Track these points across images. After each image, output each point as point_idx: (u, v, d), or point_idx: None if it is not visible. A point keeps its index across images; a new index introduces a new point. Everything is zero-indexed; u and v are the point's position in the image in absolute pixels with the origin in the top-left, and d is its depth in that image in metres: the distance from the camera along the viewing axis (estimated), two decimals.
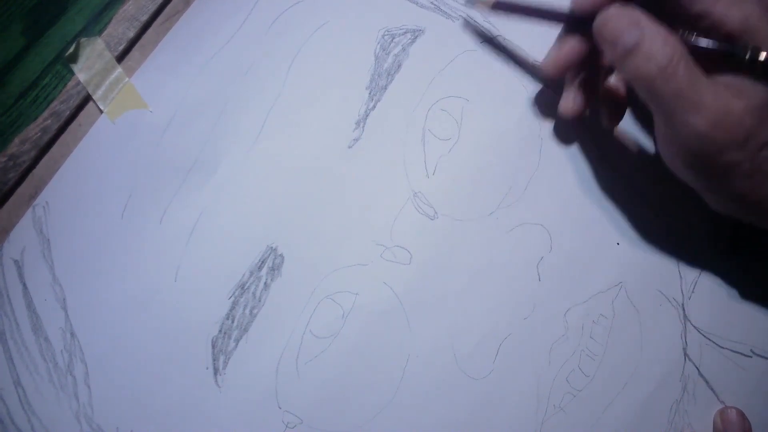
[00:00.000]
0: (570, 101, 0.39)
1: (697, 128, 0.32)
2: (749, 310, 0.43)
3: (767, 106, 0.33)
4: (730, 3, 0.33)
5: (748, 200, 0.35)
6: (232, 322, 0.37)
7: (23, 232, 0.35)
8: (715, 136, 0.32)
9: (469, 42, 0.41)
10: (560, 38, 0.38)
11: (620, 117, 0.40)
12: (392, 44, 0.39)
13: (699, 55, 0.33)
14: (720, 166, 0.33)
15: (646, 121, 0.42)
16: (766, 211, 0.35)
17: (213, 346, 0.37)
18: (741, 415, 0.41)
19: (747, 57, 0.33)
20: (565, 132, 0.39)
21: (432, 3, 0.40)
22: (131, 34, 0.37)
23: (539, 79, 0.41)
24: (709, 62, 0.33)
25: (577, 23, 0.37)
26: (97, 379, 0.35)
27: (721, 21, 0.33)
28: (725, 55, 0.33)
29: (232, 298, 0.37)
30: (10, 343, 0.35)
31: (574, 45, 0.37)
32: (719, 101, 0.32)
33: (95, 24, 0.37)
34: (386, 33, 0.39)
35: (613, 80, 0.39)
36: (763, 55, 0.32)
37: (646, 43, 0.33)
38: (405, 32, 0.40)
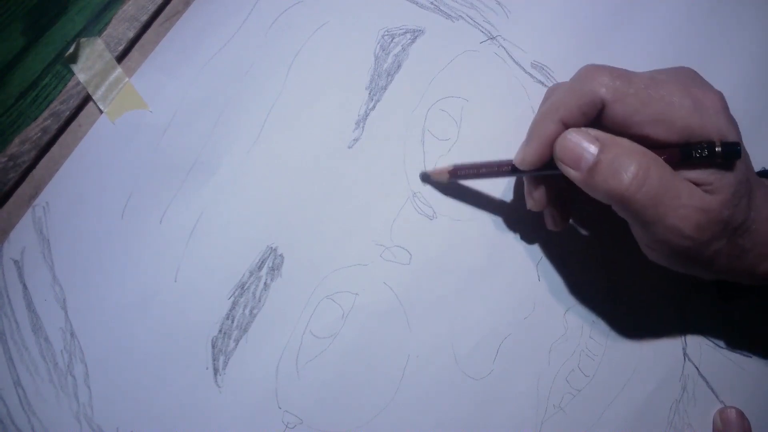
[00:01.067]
0: (550, 221, 0.39)
1: (682, 231, 0.32)
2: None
3: (736, 192, 0.33)
4: (659, 120, 0.33)
5: (728, 272, 0.35)
6: (232, 322, 0.37)
7: (23, 232, 0.35)
8: (698, 236, 0.32)
9: (469, 42, 0.41)
10: (529, 187, 0.37)
11: (567, 221, 0.39)
12: (392, 44, 0.39)
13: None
14: (704, 256, 0.34)
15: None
16: (750, 276, 0.36)
17: (213, 347, 0.37)
18: (740, 414, 0.42)
19: (705, 154, 0.32)
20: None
21: (432, 3, 0.40)
22: (131, 34, 0.37)
23: (537, 80, 0.41)
24: (671, 163, 0.33)
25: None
26: (97, 379, 0.35)
27: (659, 137, 0.33)
28: (684, 156, 0.33)
29: (232, 299, 0.37)
30: (10, 344, 0.35)
31: (543, 190, 0.37)
32: (695, 200, 0.32)
33: (95, 24, 0.37)
34: (386, 33, 0.39)
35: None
36: (718, 148, 0.32)
37: (609, 155, 0.32)
38: (405, 32, 0.40)
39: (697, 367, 0.42)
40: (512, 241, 0.40)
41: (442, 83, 0.40)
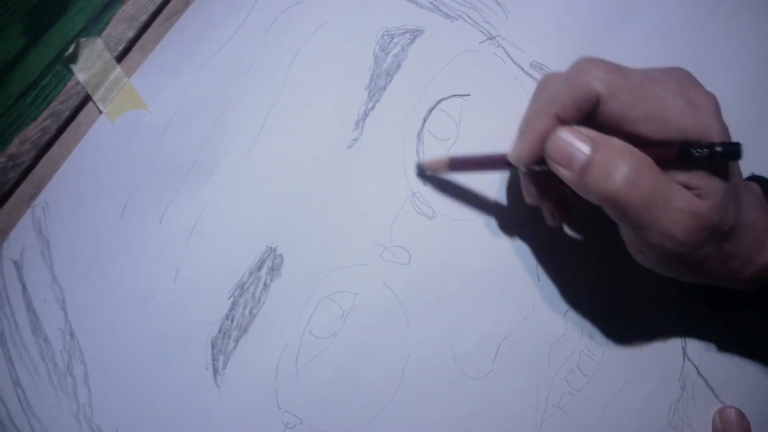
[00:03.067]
0: (548, 215, 0.39)
1: (674, 236, 0.32)
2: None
3: (725, 198, 0.32)
4: (653, 117, 0.32)
5: (715, 277, 0.35)
6: (232, 322, 0.37)
7: (23, 232, 0.35)
8: (690, 240, 0.32)
9: (469, 42, 0.41)
10: (526, 181, 0.37)
11: (564, 216, 0.39)
12: (391, 44, 0.39)
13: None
14: (693, 261, 0.34)
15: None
16: (736, 281, 0.36)
17: (212, 347, 0.37)
18: (740, 414, 0.42)
19: (705, 153, 0.31)
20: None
21: (431, 3, 0.40)
22: (131, 34, 0.37)
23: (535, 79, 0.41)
24: (664, 163, 0.32)
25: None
26: (97, 379, 0.35)
27: (652, 135, 0.32)
28: (681, 155, 0.32)
29: (232, 299, 0.37)
30: (10, 344, 0.35)
31: (539, 185, 0.37)
32: (687, 204, 0.32)
33: (95, 24, 0.37)
34: (385, 33, 0.39)
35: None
36: (719, 148, 0.31)
37: (601, 156, 0.32)
38: (404, 32, 0.40)
39: (696, 367, 0.42)
40: (512, 241, 0.40)
41: (441, 83, 0.40)
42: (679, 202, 0.32)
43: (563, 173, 0.33)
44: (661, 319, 0.42)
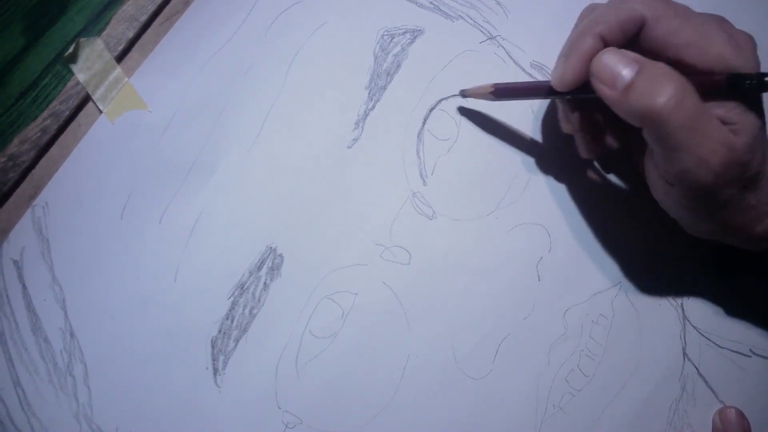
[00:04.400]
0: (585, 146, 0.39)
1: (709, 164, 0.32)
2: (747, 312, 0.43)
3: (756, 138, 0.33)
4: (696, 44, 0.33)
5: (728, 228, 0.35)
6: (232, 322, 0.37)
7: (23, 232, 0.35)
8: (722, 173, 0.32)
9: (469, 42, 0.41)
10: (565, 109, 0.38)
11: (599, 149, 0.39)
12: (391, 44, 0.39)
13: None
14: (717, 201, 0.33)
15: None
16: (747, 236, 0.35)
17: (212, 347, 0.37)
18: (740, 414, 0.41)
19: (755, 83, 0.32)
20: (564, 133, 0.39)
21: (431, 3, 0.40)
22: (131, 34, 0.37)
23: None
24: (701, 93, 0.33)
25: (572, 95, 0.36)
26: (97, 379, 0.35)
27: (695, 62, 0.33)
28: (731, 84, 0.32)
29: (232, 299, 0.37)
30: (10, 344, 0.35)
31: (578, 114, 0.37)
32: (723, 136, 0.32)
33: (95, 24, 0.37)
34: (386, 33, 0.39)
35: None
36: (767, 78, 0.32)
37: (646, 76, 0.32)
38: (404, 32, 0.40)
39: (696, 367, 0.42)
40: (512, 241, 0.40)
41: (441, 83, 0.40)
42: (717, 132, 0.32)
43: (607, 93, 0.33)
44: (662, 319, 0.42)
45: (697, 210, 0.35)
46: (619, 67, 0.32)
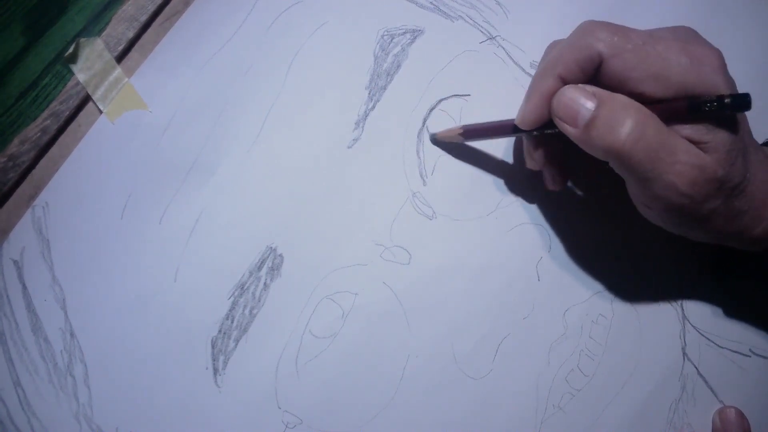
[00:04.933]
0: (550, 179, 0.39)
1: (678, 188, 0.32)
2: (747, 312, 0.43)
3: (731, 151, 0.33)
4: (656, 76, 0.33)
5: (725, 234, 0.35)
6: (232, 322, 0.37)
7: (23, 232, 0.35)
8: (694, 193, 0.32)
9: (469, 42, 0.41)
10: (528, 145, 0.38)
11: (565, 181, 0.39)
12: (391, 44, 0.39)
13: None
14: (699, 215, 0.34)
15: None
16: (746, 239, 0.36)
17: (212, 347, 0.37)
18: (740, 414, 0.42)
19: (715, 106, 0.32)
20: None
21: (431, 3, 0.40)
22: (131, 34, 0.37)
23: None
24: (666, 119, 0.33)
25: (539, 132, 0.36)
26: (97, 379, 0.35)
27: (656, 93, 0.33)
28: (691, 109, 0.32)
29: (232, 299, 0.37)
30: (10, 344, 0.35)
31: (542, 150, 0.37)
32: (691, 157, 0.32)
33: (95, 24, 0.37)
34: (386, 33, 0.39)
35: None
36: (727, 100, 0.31)
37: (606, 110, 0.32)
38: (404, 32, 0.40)
39: (696, 367, 0.42)
40: (512, 241, 0.40)
41: (441, 83, 0.40)
42: (684, 155, 0.32)
43: (569, 130, 0.33)
44: (661, 319, 0.42)
45: (683, 225, 0.35)
46: (578, 104, 0.33)
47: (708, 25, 0.43)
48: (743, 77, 0.44)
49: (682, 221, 0.35)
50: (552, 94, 0.34)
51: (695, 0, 0.44)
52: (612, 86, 0.34)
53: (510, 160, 0.41)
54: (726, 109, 0.32)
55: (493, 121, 0.38)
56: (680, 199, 0.33)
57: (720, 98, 0.32)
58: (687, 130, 0.33)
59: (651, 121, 0.32)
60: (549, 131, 0.35)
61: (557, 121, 0.34)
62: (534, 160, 0.38)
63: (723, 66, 0.33)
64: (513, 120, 0.37)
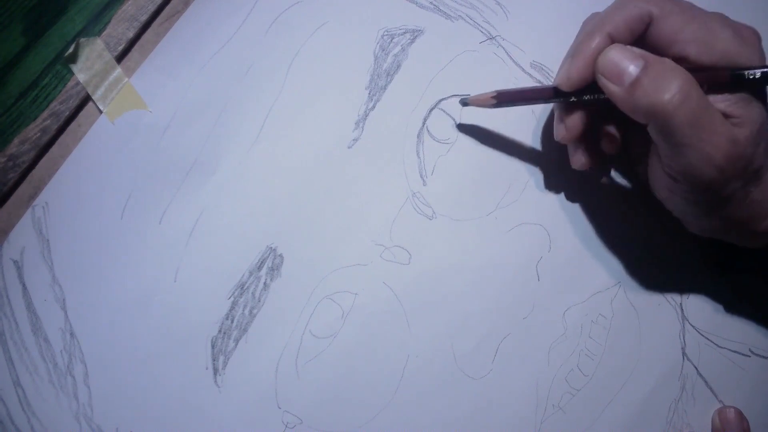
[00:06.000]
0: (579, 156, 0.38)
1: (713, 159, 0.32)
2: (747, 312, 0.43)
3: (760, 131, 0.33)
4: (702, 40, 0.33)
5: (733, 222, 0.35)
6: (232, 322, 0.37)
7: (23, 232, 0.35)
8: (727, 167, 0.32)
9: (469, 42, 0.41)
10: (562, 113, 0.37)
11: (593, 161, 0.38)
12: (392, 44, 0.39)
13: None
14: (721, 196, 0.34)
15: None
16: (751, 232, 0.36)
17: (212, 347, 0.37)
18: (739, 414, 0.42)
19: (758, 76, 0.32)
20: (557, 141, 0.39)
21: (431, 3, 0.40)
22: (131, 34, 0.37)
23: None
24: (706, 88, 0.33)
25: (574, 97, 0.36)
26: (97, 379, 0.35)
27: (700, 59, 0.33)
28: (734, 78, 0.33)
29: (232, 299, 0.37)
30: (10, 344, 0.35)
31: (577, 117, 0.36)
32: (727, 130, 0.32)
33: (95, 24, 0.37)
34: (386, 33, 0.39)
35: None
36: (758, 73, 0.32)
37: (653, 72, 0.32)
38: (404, 32, 0.40)
39: (696, 367, 0.42)
40: (512, 241, 0.40)
41: (441, 83, 0.40)
42: (721, 127, 0.32)
43: (613, 89, 0.33)
44: (661, 319, 0.42)
45: (701, 205, 0.35)
46: (625, 63, 0.33)
47: None
48: None
49: (701, 200, 0.35)
50: (599, 53, 0.34)
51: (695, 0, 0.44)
52: (658, 48, 0.34)
53: (510, 160, 0.41)
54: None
55: (530, 86, 0.38)
56: (712, 172, 0.32)
57: (764, 69, 0.32)
58: (723, 103, 0.33)
59: (695, 87, 0.32)
60: (589, 96, 0.35)
61: (601, 80, 0.34)
62: (565, 130, 0.37)
63: (760, 43, 0.34)
64: (551, 85, 0.36)
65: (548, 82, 0.41)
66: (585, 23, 0.37)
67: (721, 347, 0.42)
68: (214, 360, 0.37)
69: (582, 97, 0.35)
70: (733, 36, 0.33)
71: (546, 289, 0.41)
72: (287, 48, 0.38)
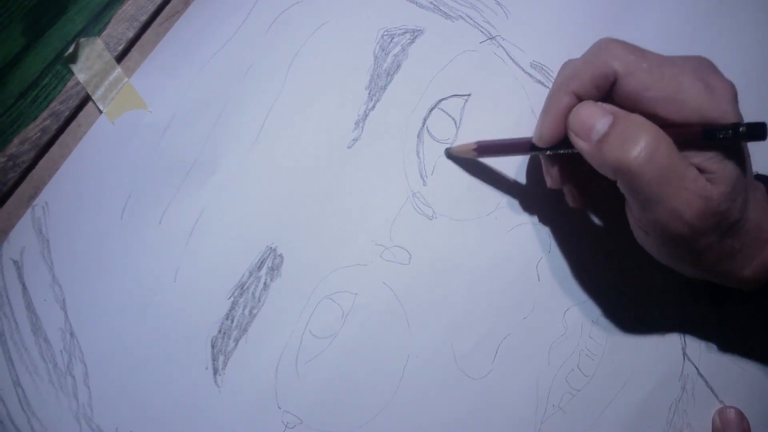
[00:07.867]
0: (573, 197, 0.39)
1: (682, 216, 0.32)
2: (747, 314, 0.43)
3: (736, 186, 0.33)
4: (670, 98, 0.32)
5: (713, 272, 0.35)
6: (232, 322, 0.37)
7: (23, 232, 0.35)
8: (697, 224, 0.32)
9: (469, 42, 0.41)
10: (547, 164, 0.38)
11: (585, 198, 0.39)
12: (391, 44, 0.39)
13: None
14: (694, 248, 0.33)
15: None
16: (735, 279, 0.35)
17: (212, 347, 0.37)
18: (740, 414, 0.42)
19: (729, 134, 0.31)
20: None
21: (431, 3, 0.40)
22: (130, 34, 0.37)
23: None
24: (678, 144, 0.32)
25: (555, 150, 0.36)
26: (97, 379, 0.35)
27: (670, 115, 0.33)
28: (706, 135, 0.32)
29: (232, 299, 0.37)
30: (10, 344, 0.35)
31: (558, 168, 0.37)
32: (699, 186, 0.32)
33: (95, 24, 0.37)
34: (385, 33, 0.39)
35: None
36: (742, 128, 0.31)
37: (620, 128, 0.32)
38: (404, 32, 0.40)
39: (696, 367, 0.42)
40: (512, 241, 0.40)
41: (441, 83, 0.40)
42: (692, 183, 0.32)
43: (581, 145, 0.33)
44: (661, 320, 0.42)
45: (676, 257, 0.35)
46: (593, 120, 0.33)
47: (708, 25, 0.43)
48: (743, 77, 0.44)
49: (675, 252, 0.35)
50: (568, 111, 0.34)
51: (695, 1, 0.44)
52: (626, 105, 0.33)
53: (510, 160, 0.41)
54: (741, 138, 0.31)
55: (509, 139, 0.38)
56: (682, 228, 0.32)
57: (735, 126, 0.31)
58: (697, 157, 0.33)
59: (664, 142, 0.32)
60: (564, 151, 0.35)
61: (572, 136, 0.34)
62: (552, 178, 0.37)
63: (735, 98, 0.33)
64: (529, 138, 0.36)
65: (548, 82, 0.41)
66: (559, 72, 0.37)
67: (721, 348, 0.42)
68: (214, 360, 0.37)
69: (557, 151, 0.36)
70: (704, 91, 0.32)
71: (546, 289, 0.41)
72: (287, 48, 0.38)
